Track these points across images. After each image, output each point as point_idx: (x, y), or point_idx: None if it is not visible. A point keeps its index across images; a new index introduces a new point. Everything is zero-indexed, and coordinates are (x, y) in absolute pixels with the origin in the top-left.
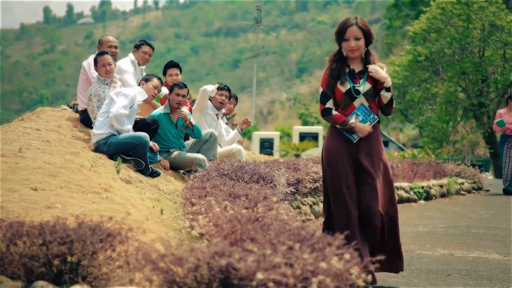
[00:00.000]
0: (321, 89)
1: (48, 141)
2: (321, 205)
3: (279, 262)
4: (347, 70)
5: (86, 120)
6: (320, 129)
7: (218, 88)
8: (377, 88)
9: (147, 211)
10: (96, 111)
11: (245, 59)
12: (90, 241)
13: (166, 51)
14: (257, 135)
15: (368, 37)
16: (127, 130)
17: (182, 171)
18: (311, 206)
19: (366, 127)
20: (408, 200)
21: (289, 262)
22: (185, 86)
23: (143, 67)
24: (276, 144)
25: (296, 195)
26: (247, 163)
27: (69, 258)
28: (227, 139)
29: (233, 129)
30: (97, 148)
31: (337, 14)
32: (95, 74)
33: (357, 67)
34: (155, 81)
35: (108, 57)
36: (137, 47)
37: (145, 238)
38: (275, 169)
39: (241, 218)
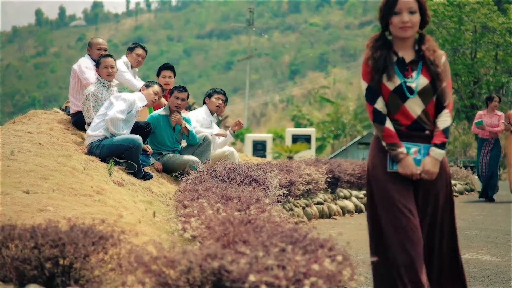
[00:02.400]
0: (364, 84)
1: (40, 144)
2: (314, 207)
3: (272, 264)
4: (395, 58)
5: (78, 123)
6: (312, 131)
7: (215, 92)
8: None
9: (139, 213)
10: (92, 111)
11: (237, 61)
12: (82, 244)
13: (159, 53)
14: (250, 137)
15: (423, 14)
16: (122, 134)
17: (174, 173)
18: (303, 208)
19: (413, 169)
20: None
21: (281, 264)
22: (185, 90)
23: (136, 69)
24: (269, 146)
25: (289, 197)
26: (239, 165)
27: (61, 261)
28: (219, 141)
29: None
30: (90, 150)
31: (329, 16)
32: (91, 78)
33: (407, 55)
34: (156, 87)
35: (111, 60)
36: (131, 49)
37: (138, 241)
38: (268, 171)
39: (234, 220)
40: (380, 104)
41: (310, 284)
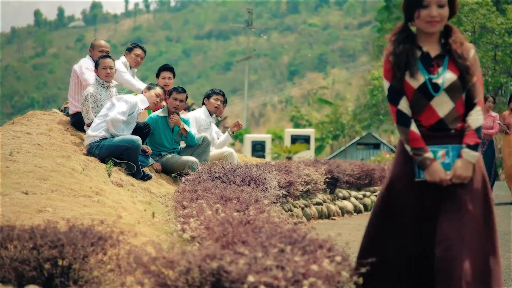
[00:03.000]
0: (386, 83)
1: (39, 144)
2: (313, 207)
3: (271, 265)
4: (419, 53)
5: (77, 124)
6: (311, 132)
7: (213, 93)
8: (465, 84)
9: (138, 214)
10: (91, 112)
11: (236, 62)
12: (81, 244)
13: (157, 54)
14: (249, 137)
15: (452, 6)
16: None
17: (173, 174)
18: (302, 209)
19: (441, 175)
20: None
21: (280, 265)
22: (184, 91)
23: (135, 69)
24: (268, 146)
25: (288, 197)
26: (238, 166)
27: (60, 262)
28: (218, 142)
29: (224, 132)
30: (89, 151)
31: (328, 16)
32: (90, 80)
33: (433, 50)
34: (158, 89)
35: (110, 61)
36: (129, 50)
37: (137, 242)
38: (267, 172)
39: (233, 221)
40: (404, 105)
41: (309, 285)
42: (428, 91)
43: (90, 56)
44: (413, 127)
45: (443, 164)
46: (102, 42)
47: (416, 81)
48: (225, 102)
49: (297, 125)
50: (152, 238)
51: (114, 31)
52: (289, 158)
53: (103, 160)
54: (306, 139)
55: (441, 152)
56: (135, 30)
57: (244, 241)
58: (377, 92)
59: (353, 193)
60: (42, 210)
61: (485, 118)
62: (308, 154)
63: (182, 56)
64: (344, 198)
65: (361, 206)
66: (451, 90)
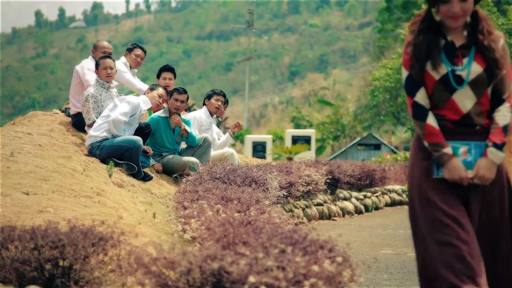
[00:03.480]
0: (404, 72)
1: (40, 145)
2: (314, 208)
3: (271, 265)
4: (443, 42)
5: (78, 124)
6: (312, 132)
7: (214, 93)
8: (491, 77)
9: (139, 215)
10: (92, 112)
11: (237, 63)
12: (82, 245)
13: (158, 55)
14: (250, 138)
15: None
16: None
17: (174, 174)
18: (303, 209)
19: (461, 173)
20: (401, 203)
21: (281, 265)
22: (185, 92)
23: (135, 70)
24: (269, 147)
25: (289, 198)
26: (239, 167)
27: (61, 262)
28: (219, 142)
29: (224, 132)
30: (91, 151)
31: (329, 17)
32: (91, 80)
33: (458, 39)
34: (161, 90)
35: (110, 61)
36: (130, 50)
37: (137, 242)
38: (268, 173)
39: (233, 221)
40: (421, 97)
41: (310, 285)
42: (450, 84)
43: (93, 57)
44: (430, 121)
45: (464, 162)
46: (105, 44)
47: (437, 73)
48: (226, 102)
49: (298, 126)
50: (153, 239)
51: (115, 31)
52: (290, 159)
53: (104, 160)
54: (307, 140)
55: (462, 149)
56: (136, 31)
57: (245, 242)
58: (378, 93)
59: (354, 193)
60: (43, 211)
61: None
62: (308, 154)
63: (183, 57)
64: (345, 198)
65: (362, 207)
66: (475, 84)
